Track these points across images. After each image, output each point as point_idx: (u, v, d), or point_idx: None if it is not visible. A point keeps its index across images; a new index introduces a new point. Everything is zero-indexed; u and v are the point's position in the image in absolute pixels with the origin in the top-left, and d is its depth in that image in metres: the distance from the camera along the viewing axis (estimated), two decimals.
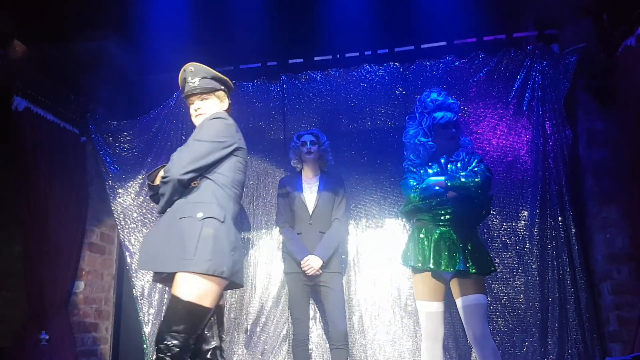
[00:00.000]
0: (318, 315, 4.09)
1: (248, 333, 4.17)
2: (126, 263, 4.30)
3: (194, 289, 2.39)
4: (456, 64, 4.22)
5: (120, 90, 4.67)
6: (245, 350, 4.13)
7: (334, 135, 4.22)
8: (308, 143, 3.85)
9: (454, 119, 3.21)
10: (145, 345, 4.13)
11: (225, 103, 2.86)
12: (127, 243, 4.31)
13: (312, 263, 3.59)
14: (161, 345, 2.34)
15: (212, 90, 2.80)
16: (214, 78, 2.81)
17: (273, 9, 4.29)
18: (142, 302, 4.23)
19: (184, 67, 2.82)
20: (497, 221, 3.92)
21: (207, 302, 2.42)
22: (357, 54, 4.60)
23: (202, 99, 2.79)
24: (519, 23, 4.44)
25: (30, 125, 3.80)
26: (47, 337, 3.64)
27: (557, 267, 3.78)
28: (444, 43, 4.44)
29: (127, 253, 4.29)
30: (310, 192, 3.82)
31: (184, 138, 4.56)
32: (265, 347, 4.11)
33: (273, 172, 4.43)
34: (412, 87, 4.26)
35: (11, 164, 4.04)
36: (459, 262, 2.92)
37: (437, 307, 3.06)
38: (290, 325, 4.07)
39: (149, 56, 4.66)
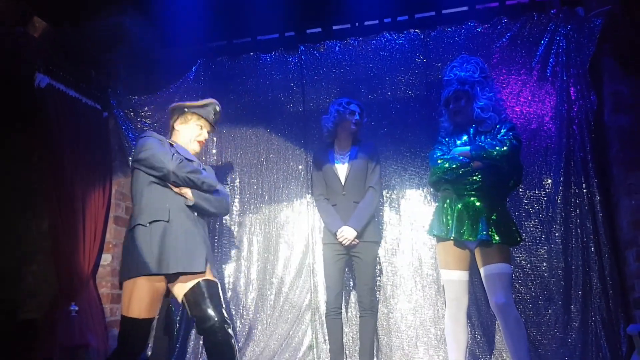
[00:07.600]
0: (350, 283, 4.12)
1: (272, 303, 4.24)
2: None
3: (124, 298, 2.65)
4: (478, 29, 4.13)
5: (140, 65, 4.67)
6: (269, 320, 4.20)
7: None
8: (357, 114, 3.74)
9: (452, 92, 3.16)
10: (173, 313, 4.22)
11: None
12: None
13: (345, 234, 3.58)
14: None
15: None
16: None
17: None
18: None
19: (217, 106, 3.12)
20: (521, 189, 3.88)
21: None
22: (377, 21, 4.51)
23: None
24: None
25: (52, 101, 3.82)
26: (76, 308, 3.73)
27: (581, 235, 3.74)
28: (465, 8, 4.33)
29: None
30: (342, 163, 3.76)
31: None
32: (289, 316, 4.18)
33: (292, 145, 4.43)
34: (433, 55, 4.19)
35: (36, 142, 4.10)
36: (482, 232, 2.92)
37: (461, 275, 3.07)
38: (312, 295, 4.13)
39: (166, 31, 4.66)
